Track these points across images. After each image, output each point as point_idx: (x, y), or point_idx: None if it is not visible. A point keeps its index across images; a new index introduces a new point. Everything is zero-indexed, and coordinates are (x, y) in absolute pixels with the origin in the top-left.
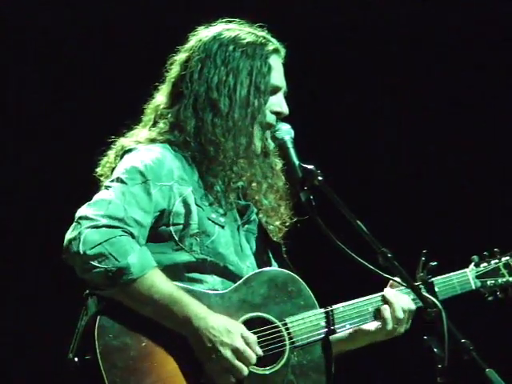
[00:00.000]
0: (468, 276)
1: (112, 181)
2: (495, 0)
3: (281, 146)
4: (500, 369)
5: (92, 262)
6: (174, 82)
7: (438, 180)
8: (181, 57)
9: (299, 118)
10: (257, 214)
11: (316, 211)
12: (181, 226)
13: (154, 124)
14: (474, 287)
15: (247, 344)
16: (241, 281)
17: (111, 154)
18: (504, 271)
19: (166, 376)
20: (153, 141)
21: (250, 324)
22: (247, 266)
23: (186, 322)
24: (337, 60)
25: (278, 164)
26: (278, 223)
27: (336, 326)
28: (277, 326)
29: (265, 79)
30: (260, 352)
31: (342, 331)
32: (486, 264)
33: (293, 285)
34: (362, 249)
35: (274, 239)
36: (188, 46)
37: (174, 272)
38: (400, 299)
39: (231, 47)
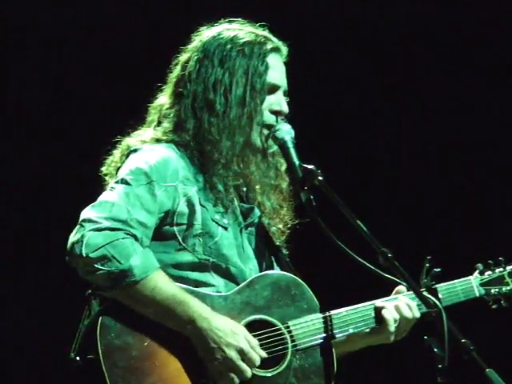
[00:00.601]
0: (472, 283)
1: (117, 182)
2: (495, 0)
3: (281, 146)
4: (500, 369)
5: (95, 265)
6: (175, 83)
7: (438, 180)
8: (182, 57)
9: (299, 118)
10: (260, 216)
11: (316, 211)
12: (184, 226)
13: (159, 124)
14: (477, 295)
15: (251, 347)
16: (244, 283)
17: (117, 153)
18: (508, 280)
19: (167, 376)
20: (158, 141)
21: (252, 326)
22: (250, 268)
23: (189, 322)
24: (337, 60)
25: (283, 165)
26: (280, 226)
27: (338, 331)
28: (279, 329)
29: (261, 78)
30: (264, 354)
31: (345, 336)
32: (490, 272)
33: (296, 288)
34: (362, 249)
35: (277, 242)
36: (190, 46)
37: (177, 273)
38: (413, 310)
39: (229, 46)
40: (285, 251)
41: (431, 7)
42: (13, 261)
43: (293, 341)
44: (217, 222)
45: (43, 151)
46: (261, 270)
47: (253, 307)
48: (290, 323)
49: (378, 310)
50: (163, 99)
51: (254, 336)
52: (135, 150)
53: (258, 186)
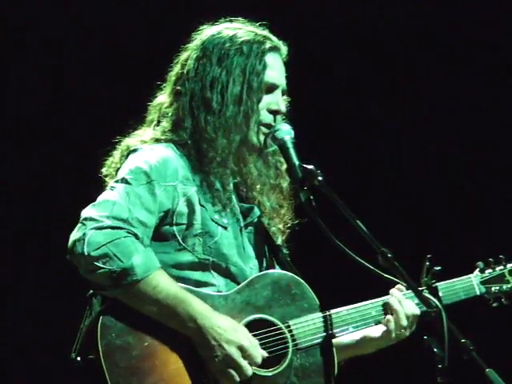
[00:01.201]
0: (472, 282)
1: (117, 181)
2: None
3: (280, 146)
4: (500, 369)
5: (96, 263)
6: (174, 81)
7: (438, 180)
8: (182, 56)
9: (299, 118)
10: (260, 216)
11: (316, 211)
12: (184, 226)
13: (158, 123)
14: (478, 293)
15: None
16: (244, 283)
17: (116, 154)
18: (509, 278)
19: (168, 376)
20: (157, 140)
21: (253, 326)
22: (250, 267)
23: (190, 321)
24: (337, 60)
25: (284, 164)
26: (280, 225)
27: (339, 330)
28: (280, 328)
29: (258, 77)
30: (265, 353)
31: (345, 334)
32: (490, 270)
33: (296, 287)
34: (362, 249)
35: (277, 241)
36: (190, 45)
37: (177, 273)
38: (404, 306)
39: (227, 45)
40: (285, 251)
41: (431, 7)
42: (13, 261)
43: (293, 340)
44: (216, 222)
45: (43, 151)
46: (261, 270)
47: (253, 306)
48: (290, 322)
49: (386, 305)
50: (163, 98)
51: (255, 335)
52: (135, 150)
53: (258, 186)
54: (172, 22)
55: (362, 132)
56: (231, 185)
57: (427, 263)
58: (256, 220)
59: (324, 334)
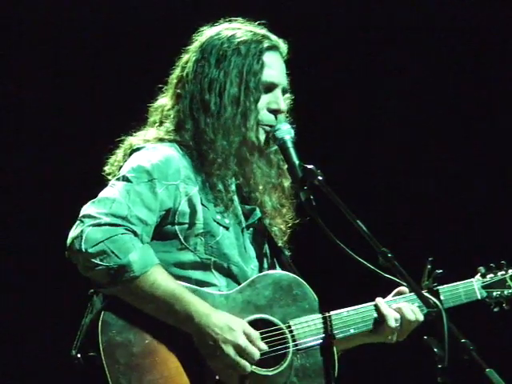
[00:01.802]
0: (474, 286)
1: (118, 179)
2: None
3: (281, 145)
4: (500, 369)
5: (94, 260)
6: (175, 84)
7: (439, 181)
8: (183, 58)
9: (299, 117)
10: (261, 217)
11: (316, 211)
12: (186, 226)
13: (161, 124)
14: (479, 297)
15: (250, 341)
16: (246, 282)
17: (119, 152)
18: (510, 283)
19: (168, 373)
20: (161, 140)
21: (253, 326)
22: (251, 268)
23: (187, 319)
24: (337, 59)
25: (285, 163)
26: (282, 226)
27: (340, 331)
28: (281, 329)
29: (256, 77)
30: (264, 347)
31: (346, 336)
32: (492, 275)
33: (297, 288)
34: (362, 249)
35: (279, 242)
36: (190, 47)
37: (179, 272)
38: (404, 312)
39: (225, 46)
40: (287, 252)
41: (431, 7)
42: (13, 261)
43: (294, 340)
44: (218, 222)
45: (43, 151)
46: (262, 271)
47: (254, 306)
48: (291, 323)
49: (376, 307)
50: (164, 100)
51: None
52: (138, 149)
53: (260, 187)
54: (174, 22)
55: (361, 132)
56: (233, 186)
57: (429, 266)
58: (258, 221)
59: (324, 335)
